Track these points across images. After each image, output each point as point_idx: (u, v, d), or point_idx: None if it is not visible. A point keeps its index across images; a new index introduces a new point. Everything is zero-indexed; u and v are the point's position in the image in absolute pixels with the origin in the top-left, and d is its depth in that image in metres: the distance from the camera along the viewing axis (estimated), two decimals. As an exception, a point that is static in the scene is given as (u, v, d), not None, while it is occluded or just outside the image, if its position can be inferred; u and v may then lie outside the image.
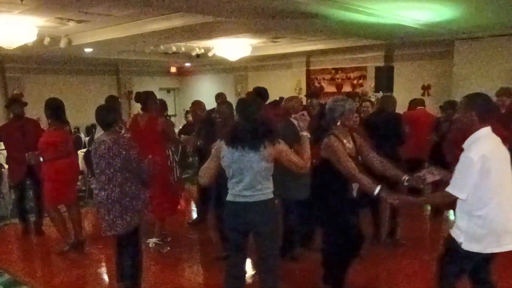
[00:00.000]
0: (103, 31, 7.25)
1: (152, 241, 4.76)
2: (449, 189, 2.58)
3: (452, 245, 2.68)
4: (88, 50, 8.95)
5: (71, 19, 6.38)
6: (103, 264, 4.53)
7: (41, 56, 9.84)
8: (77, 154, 5.01)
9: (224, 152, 2.86)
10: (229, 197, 2.94)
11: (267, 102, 6.38)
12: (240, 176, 2.85)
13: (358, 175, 3.05)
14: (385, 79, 8.26)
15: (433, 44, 8.99)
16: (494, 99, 5.22)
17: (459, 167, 2.52)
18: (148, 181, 3.54)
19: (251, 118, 2.87)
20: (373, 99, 10.12)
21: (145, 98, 4.72)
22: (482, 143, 2.50)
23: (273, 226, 2.98)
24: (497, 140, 2.59)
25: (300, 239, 4.51)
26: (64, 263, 4.59)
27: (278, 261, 3.08)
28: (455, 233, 2.67)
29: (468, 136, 2.57)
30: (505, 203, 2.56)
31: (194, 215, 6.00)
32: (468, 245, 2.59)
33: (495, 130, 2.62)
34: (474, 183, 2.48)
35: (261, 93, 5.57)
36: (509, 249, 2.60)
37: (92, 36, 7.53)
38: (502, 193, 2.55)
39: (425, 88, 9.63)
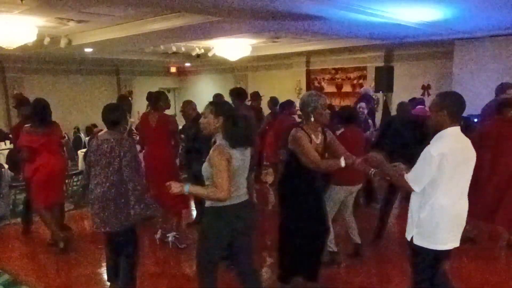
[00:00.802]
0: (103, 31, 7.25)
1: (171, 235, 4.91)
2: (407, 177, 2.61)
3: (408, 246, 2.73)
4: (88, 50, 8.95)
5: (71, 19, 6.38)
6: (103, 264, 4.53)
7: (41, 56, 9.84)
8: (62, 154, 5.05)
9: (233, 156, 2.72)
10: (231, 201, 2.76)
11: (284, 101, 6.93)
12: (241, 176, 2.84)
13: (321, 163, 3.20)
14: (385, 79, 8.25)
15: (433, 44, 8.98)
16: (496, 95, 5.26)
17: (419, 161, 2.57)
18: (137, 191, 3.41)
19: (249, 118, 2.98)
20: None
21: (156, 98, 4.91)
22: (445, 141, 2.56)
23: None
24: (465, 140, 2.64)
25: None
26: (64, 263, 4.59)
27: None
28: (407, 231, 2.72)
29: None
30: (456, 203, 2.62)
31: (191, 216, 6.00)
32: (420, 240, 2.63)
33: None
34: (430, 179, 2.53)
35: (240, 93, 5.97)
36: (451, 247, 2.65)
37: (92, 36, 7.52)
38: (456, 192, 2.61)
39: (425, 88, 9.63)
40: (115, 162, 3.25)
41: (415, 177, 2.58)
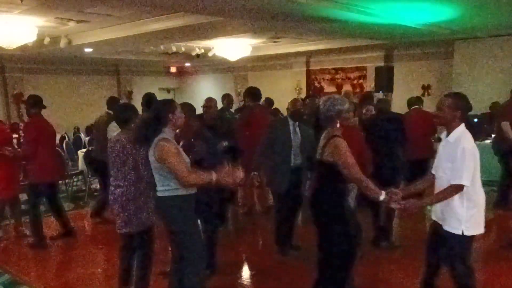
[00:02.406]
0: (103, 31, 7.25)
1: None
2: (456, 181, 2.75)
3: (453, 240, 2.87)
4: (88, 50, 8.95)
5: (71, 19, 6.38)
6: (103, 264, 4.53)
7: (41, 56, 9.84)
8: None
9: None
10: None
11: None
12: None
13: (365, 180, 2.95)
14: (385, 79, 8.26)
15: (433, 44, 8.99)
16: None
17: (460, 159, 2.73)
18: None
19: (142, 119, 3.07)
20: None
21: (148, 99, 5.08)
22: (469, 136, 2.83)
23: (173, 225, 3.01)
24: None
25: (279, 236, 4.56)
26: (64, 263, 4.59)
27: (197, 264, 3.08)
28: (451, 226, 2.86)
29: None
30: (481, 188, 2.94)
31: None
32: (470, 231, 2.84)
33: None
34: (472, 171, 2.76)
35: (252, 93, 5.80)
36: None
37: (92, 36, 7.53)
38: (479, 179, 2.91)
39: (425, 88, 9.63)
40: (128, 160, 3.28)
41: (464, 176, 2.73)
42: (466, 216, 2.82)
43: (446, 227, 2.88)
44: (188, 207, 3.00)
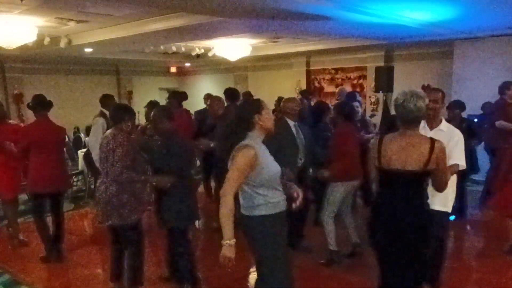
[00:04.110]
0: (103, 31, 7.25)
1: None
2: (460, 162, 3.06)
3: (443, 217, 3.16)
4: (88, 50, 8.94)
5: (71, 19, 6.37)
6: (103, 264, 4.53)
7: (41, 56, 9.84)
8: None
9: None
10: None
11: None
12: None
13: None
14: (385, 79, 8.24)
15: (433, 44, 8.98)
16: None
17: (459, 146, 3.06)
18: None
19: (226, 124, 2.94)
20: (373, 99, 10.19)
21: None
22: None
23: (252, 247, 2.67)
24: None
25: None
26: (64, 263, 4.59)
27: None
28: (442, 205, 3.11)
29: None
30: None
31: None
32: (450, 207, 3.22)
33: None
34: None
35: (232, 94, 5.92)
36: None
37: (92, 36, 7.52)
38: None
39: (425, 88, 9.61)
40: (109, 156, 3.34)
41: (463, 158, 3.08)
42: (451, 195, 3.18)
43: (436, 207, 3.03)
44: (271, 228, 2.56)
